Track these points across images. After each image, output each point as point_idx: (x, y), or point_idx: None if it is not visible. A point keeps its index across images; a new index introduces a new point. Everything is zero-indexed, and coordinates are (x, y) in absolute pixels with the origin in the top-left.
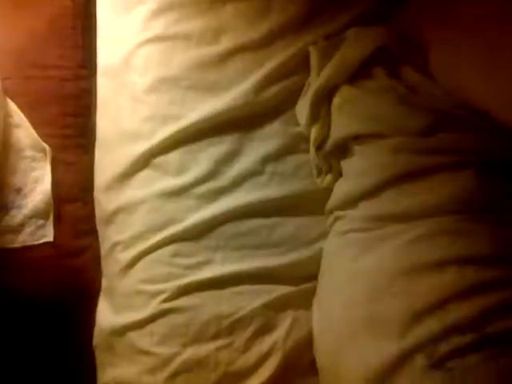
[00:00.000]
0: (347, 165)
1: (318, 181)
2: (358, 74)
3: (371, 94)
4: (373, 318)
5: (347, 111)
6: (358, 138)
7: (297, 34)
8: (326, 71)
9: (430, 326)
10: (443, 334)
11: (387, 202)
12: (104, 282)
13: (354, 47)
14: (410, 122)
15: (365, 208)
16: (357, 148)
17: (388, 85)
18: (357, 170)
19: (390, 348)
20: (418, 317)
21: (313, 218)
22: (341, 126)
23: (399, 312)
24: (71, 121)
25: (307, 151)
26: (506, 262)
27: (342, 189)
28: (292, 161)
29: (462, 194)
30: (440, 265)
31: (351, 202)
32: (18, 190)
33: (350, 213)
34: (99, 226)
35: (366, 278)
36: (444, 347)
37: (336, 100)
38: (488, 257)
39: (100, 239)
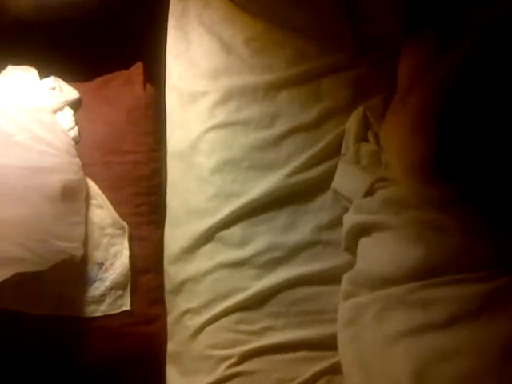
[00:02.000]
0: None
1: None
2: None
3: None
4: None
5: None
6: None
7: (343, 115)
8: None
9: None
10: None
11: None
12: (171, 348)
13: None
14: None
15: None
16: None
17: None
18: None
19: None
20: None
21: None
22: None
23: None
24: (145, 199)
25: None
26: None
27: None
28: None
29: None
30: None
31: None
32: (100, 265)
33: None
34: (168, 296)
35: None
36: None
37: None
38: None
39: (168, 308)
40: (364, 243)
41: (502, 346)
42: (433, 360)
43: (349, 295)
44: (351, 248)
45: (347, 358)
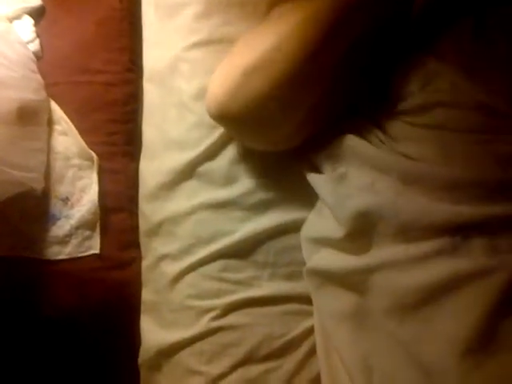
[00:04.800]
0: None
1: None
2: None
3: None
4: None
5: None
6: None
7: None
8: None
9: None
10: None
11: None
12: (146, 296)
13: None
14: None
15: None
16: None
17: None
18: None
19: None
20: None
21: None
22: None
23: None
24: (118, 127)
25: None
26: None
27: None
28: None
29: None
30: None
31: None
32: (65, 200)
33: None
34: (142, 238)
35: None
36: None
37: None
38: None
39: (142, 252)
40: None
41: None
42: None
43: None
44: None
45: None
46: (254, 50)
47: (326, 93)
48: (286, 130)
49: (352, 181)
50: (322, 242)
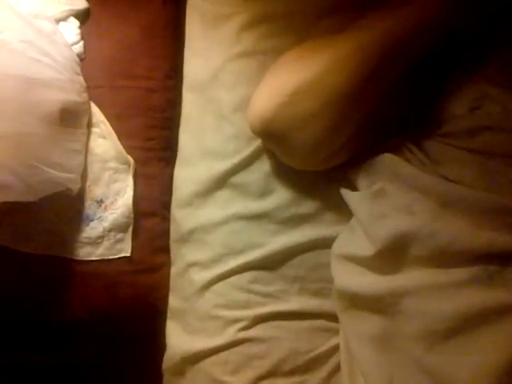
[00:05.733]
0: None
1: None
2: None
3: None
4: None
5: None
6: None
7: None
8: None
9: None
10: None
11: None
12: (173, 302)
13: None
14: None
15: None
16: None
17: None
18: None
19: None
20: None
21: None
22: None
23: None
24: (155, 133)
25: None
26: None
27: None
28: None
29: None
30: None
31: None
32: (100, 202)
33: None
34: (172, 244)
35: None
36: None
37: None
38: None
39: (172, 257)
40: None
41: None
42: None
43: None
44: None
45: None
46: (305, 70)
47: (370, 115)
48: (327, 152)
49: (388, 199)
50: (351, 260)
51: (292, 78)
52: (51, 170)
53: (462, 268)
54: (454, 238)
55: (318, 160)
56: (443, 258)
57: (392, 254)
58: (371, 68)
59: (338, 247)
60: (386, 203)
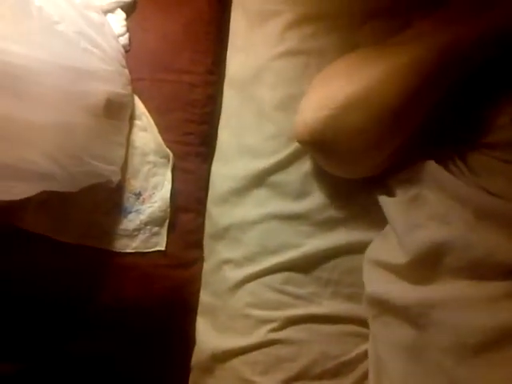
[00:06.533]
0: None
1: None
2: None
3: None
4: None
5: None
6: None
7: None
8: None
9: None
10: None
11: None
12: (204, 298)
13: None
14: None
15: None
16: None
17: None
18: None
19: None
20: None
21: None
22: None
23: None
24: (194, 128)
25: None
26: None
27: None
28: None
29: None
30: None
31: None
32: (138, 195)
33: None
34: (206, 240)
35: None
36: None
37: None
38: None
39: (205, 253)
40: None
41: None
42: None
43: None
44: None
45: None
46: (356, 82)
47: (417, 127)
48: (371, 163)
49: (424, 207)
50: (384, 266)
51: (342, 90)
52: (94, 162)
53: (498, 282)
54: (490, 250)
55: (360, 171)
56: (478, 270)
57: (425, 264)
58: (425, 82)
59: (370, 253)
60: (421, 211)
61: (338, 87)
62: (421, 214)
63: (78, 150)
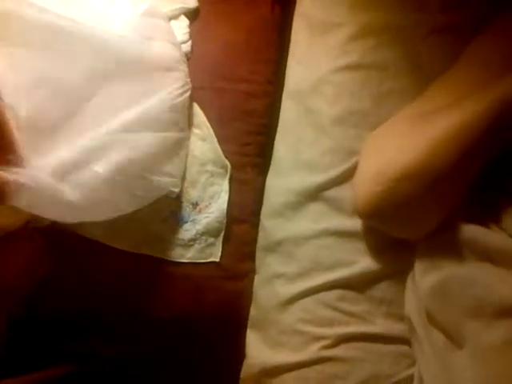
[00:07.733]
0: None
1: None
2: None
3: None
4: None
5: None
6: None
7: None
8: None
9: None
10: None
11: None
12: (254, 311)
13: None
14: None
15: None
16: None
17: None
18: None
19: None
20: None
21: None
22: None
23: None
24: (252, 138)
25: None
26: None
27: None
28: None
29: None
30: None
31: None
32: (195, 205)
33: None
34: (259, 252)
35: None
36: None
37: None
38: None
39: (257, 266)
40: None
41: None
42: None
43: None
44: None
45: None
46: (408, 152)
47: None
48: (427, 227)
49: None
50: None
51: (396, 163)
52: (157, 178)
53: None
54: None
55: (415, 233)
56: None
57: None
58: (480, 142)
59: (412, 276)
60: None
61: (391, 159)
62: None
63: (143, 170)
